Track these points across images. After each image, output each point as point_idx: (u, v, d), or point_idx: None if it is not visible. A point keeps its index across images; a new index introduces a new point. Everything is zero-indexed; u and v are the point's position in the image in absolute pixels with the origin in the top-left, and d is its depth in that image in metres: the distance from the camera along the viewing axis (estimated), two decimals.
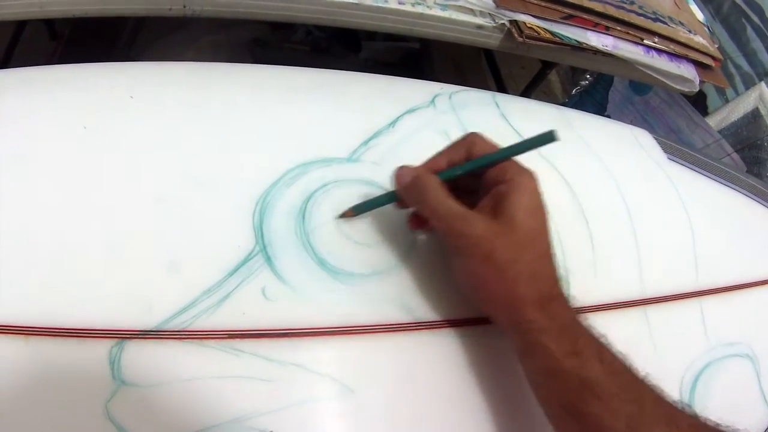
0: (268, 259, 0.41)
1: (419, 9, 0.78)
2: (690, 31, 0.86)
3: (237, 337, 0.38)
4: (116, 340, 0.37)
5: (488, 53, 1.29)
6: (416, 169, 0.42)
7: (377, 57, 1.26)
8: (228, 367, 0.37)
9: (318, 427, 0.38)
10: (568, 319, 0.38)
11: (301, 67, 0.55)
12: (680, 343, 0.54)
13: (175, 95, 0.48)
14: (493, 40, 0.83)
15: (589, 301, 0.50)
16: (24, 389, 0.34)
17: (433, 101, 0.56)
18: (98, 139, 0.44)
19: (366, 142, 0.49)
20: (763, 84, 1.28)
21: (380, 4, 0.75)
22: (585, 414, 0.35)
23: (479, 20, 0.81)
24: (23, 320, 0.36)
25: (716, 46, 0.88)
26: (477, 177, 0.42)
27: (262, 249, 0.41)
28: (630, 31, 0.84)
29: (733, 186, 0.70)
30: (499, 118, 0.58)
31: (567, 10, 0.82)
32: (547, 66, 1.14)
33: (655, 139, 0.68)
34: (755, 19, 1.43)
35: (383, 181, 0.47)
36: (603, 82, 1.41)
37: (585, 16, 0.83)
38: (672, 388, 0.45)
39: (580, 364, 0.35)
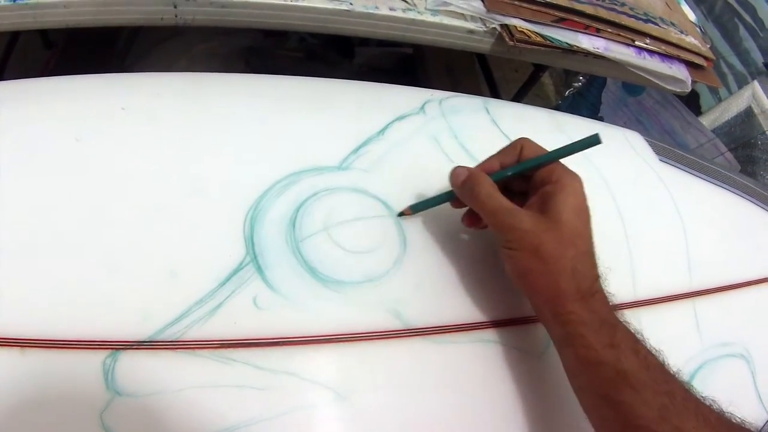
0: (259, 269, 0.41)
1: (410, 15, 0.78)
2: (681, 32, 0.87)
3: (229, 347, 0.38)
4: (110, 351, 0.37)
5: (481, 57, 1.29)
6: (470, 168, 0.45)
7: (371, 63, 1.26)
8: (221, 377, 0.38)
9: None
10: (607, 314, 0.40)
11: (290, 76, 0.55)
12: (674, 344, 0.54)
13: (166, 106, 0.48)
14: (485, 45, 0.84)
15: None
16: (20, 400, 0.34)
17: (423, 108, 0.56)
18: (90, 152, 0.44)
19: (356, 150, 0.50)
20: (755, 83, 1.28)
21: (371, 11, 0.76)
22: (619, 402, 0.37)
23: (470, 25, 0.81)
24: (19, 332, 0.36)
25: (708, 46, 0.88)
26: (526, 179, 0.45)
27: (253, 258, 0.42)
28: (621, 33, 0.84)
29: (725, 186, 0.70)
30: (489, 123, 0.58)
31: (558, 13, 0.82)
32: (539, 69, 1.14)
33: (647, 140, 0.69)
34: (747, 18, 1.44)
35: (374, 189, 0.48)
36: (596, 83, 1.41)
37: (576, 18, 0.83)
38: None
39: (616, 356, 0.37)
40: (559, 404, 0.45)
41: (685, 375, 0.54)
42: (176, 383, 0.37)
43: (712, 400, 0.39)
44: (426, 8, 0.79)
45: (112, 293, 0.39)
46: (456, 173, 0.45)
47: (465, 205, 0.46)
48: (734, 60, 1.47)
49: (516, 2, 0.81)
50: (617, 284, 0.54)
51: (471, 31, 0.81)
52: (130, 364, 0.37)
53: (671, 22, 0.88)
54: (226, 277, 0.41)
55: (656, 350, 0.40)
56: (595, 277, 0.41)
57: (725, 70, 1.51)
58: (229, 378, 0.38)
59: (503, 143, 0.57)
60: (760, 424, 0.58)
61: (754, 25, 1.45)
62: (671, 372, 0.39)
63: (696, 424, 0.36)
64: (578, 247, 0.41)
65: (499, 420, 0.43)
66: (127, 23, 0.70)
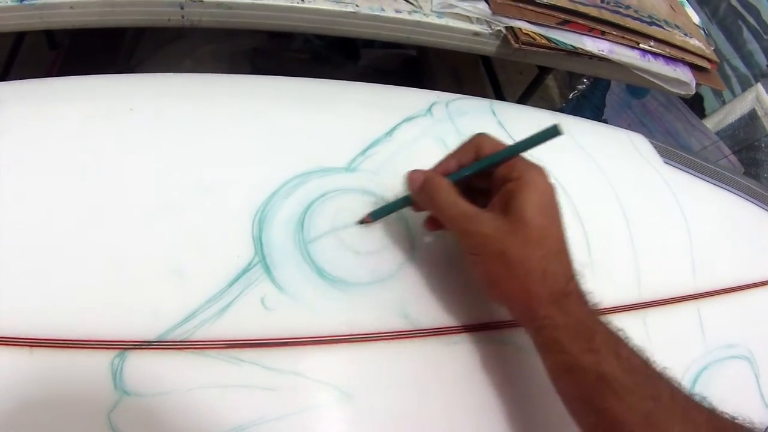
0: (267, 269, 0.42)
1: (416, 17, 0.78)
2: (686, 34, 0.87)
3: (237, 347, 0.39)
4: (118, 350, 0.37)
5: (486, 59, 1.29)
6: (426, 172, 0.43)
7: (375, 64, 1.27)
8: (229, 377, 0.38)
9: None
10: (584, 315, 0.38)
11: (297, 77, 0.56)
12: (678, 346, 0.55)
13: (173, 107, 0.49)
14: (490, 47, 0.84)
15: None
16: (28, 400, 0.35)
17: (430, 110, 0.56)
18: (97, 152, 0.44)
19: (364, 152, 0.50)
20: (759, 85, 1.28)
21: (377, 13, 0.76)
22: (602, 409, 0.35)
23: (476, 27, 0.81)
24: (27, 332, 0.36)
25: (712, 48, 0.88)
26: (487, 177, 0.42)
27: (262, 259, 0.42)
28: (626, 36, 0.84)
29: (729, 188, 0.70)
30: (496, 125, 0.59)
31: (563, 16, 0.82)
32: (544, 71, 1.14)
33: (651, 143, 0.69)
34: (751, 20, 1.44)
35: (381, 190, 0.48)
36: (600, 86, 1.41)
37: (580, 21, 0.83)
38: None
39: (596, 360, 0.36)
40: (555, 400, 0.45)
41: (688, 377, 0.54)
42: (184, 383, 0.37)
43: (702, 398, 0.38)
44: (432, 10, 0.80)
45: (121, 293, 0.39)
46: (412, 178, 0.43)
47: (423, 210, 0.44)
48: (738, 62, 1.47)
49: (521, 5, 0.81)
50: (622, 285, 0.55)
51: (476, 34, 0.81)
52: (138, 364, 0.37)
53: (675, 25, 0.88)
54: (235, 278, 0.41)
55: (640, 350, 0.38)
56: (569, 277, 0.39)
57: (729, 72, 1.51)
58: (237, 378, 0.38)
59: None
60: (764, 426, 0.58)
61: (757, 27, 1.45)
62: (656, 372, 0.37)
63: (683, 428, 0.35)
64: (546, 247, 0.38)
65: (507, 418, 0.43)
66: (133, 24, 0.70)
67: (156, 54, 1.00)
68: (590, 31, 0.84)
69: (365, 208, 0.46)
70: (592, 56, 0.83)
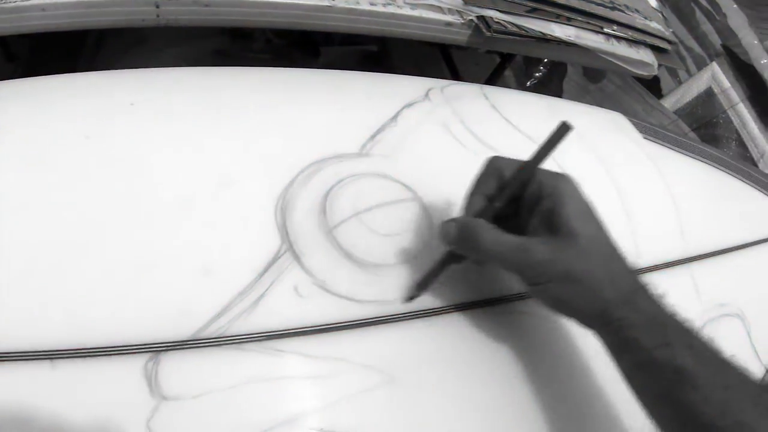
0: (297, 257, 0.41)
1: (390, 9, 0.79)
2: (645, 18, 0.91)
3: (276, 337, 0.38)
4: (150, 353, 0.36)
5: (445, 52, 1.31)
6: (458, 219, 0.42)
7: (336, 61, 1.26)
8: (271, 369, 0.37)
9: (367, 418, 0.38)
10: (654, 310, 0.38)
11: (297, 68, 0.55)
12: (677, 306, 0.57)
13: (176, 101, 0.47)
14: (462, 36, 0.85)
15: None
16: (55, 418, 0.33)
17: (427, 95, 0.57)
18: (103, 149, 0.42)
19: (373, 137, 0.50)
20: (715, 64, 1.36)
21: (353, 6, 0.76)
22: (679, 402, 0.36)
23: (448, 17, 0.83)
24: (46, 344, 0.34)
25: (670, 30, 0.93)
26: (513, 201, 0.42)
27: (290, 247, 0.41)
28: (590, 21, 0.87)
29: (703, 159, 0.74)
30: (489, 108, 0.60)
31: (531, 4, 0.84)
32: (505, 60, 1.17)
33: (630, 120, 0.72)
34: (703, 2, 1.52)
35: (396, 173, 0.48)
36: (557, 73, 1.46)
37: (548, 8, 0.85)
38: None
39: (671, 354, 0.36)
40: (591, 365, 0.46)
41: None
42: (225, 380, 0.36)
43: None
44: (405, 2, 0.80)
45: (146, 294, 0.37)
46: (446, 231, 0.42)
47: (468, 258, 0.43)
48: (692, 43, 1.55)
49: None
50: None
51: (449, 24, 0.83)
52: (174, 365, 0.36)
53: (635, 9, 0.92)
54: (265, 268, 0.40)
55: (709, 339, 0.38)
56: (632, 272, 0.40)
57: (684, 53, 1.59)
58: (280, 369, 0.37)
59: (506, 127, 0.59)
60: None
61: (710, 8, 1.53)
62: (726, 360, 0.37)
63: (756, 416, 0.35)
64: (604, 252, 0.39)
65: (536, 385, 0.44)
66: (107, 25, 0.67)
67: (119, 60, 0.96)
68: (557, 18, 0.86)
69: (383, 191, 0.46)
70: (560, 42, 0.86)
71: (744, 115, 1.39)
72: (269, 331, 0.38)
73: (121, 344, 0.36)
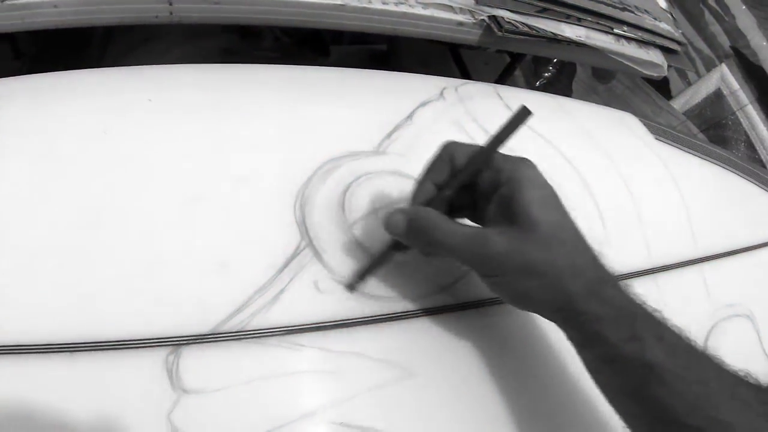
0: (317, 253, 0.41)
1: (402, 8, 0.79)
2: (655, 19, 0.91)
3: (297, 332, 0.38)
4: (171, 347, 0.36)
5: (454, 51, 1.31)
6: (406, 209, 0.39)
7: (346, 60, 1.26)
8: (291, 363, 0.37)
9: (385, 413, 0.38)
10: (622, 301, 0.36)
11: (310, 66, 0.56)
12: (688, 306, 0.57)
13: (193, 97, 0.48)
14: (473, 36, 0.85)
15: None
16: (76, 411, 0.33)
17: (441, 94, 0.57)
18: (121, 144, 0.43)
19: (389, 135, 0.50)
20: (724, 65, 1.36)
21: (365, 5, 0.76)
22: (648, 398, 0.34)
23: (459, 17, 0.83)
24: (65, 336, 0.34)
25: (680, 32, 0.93)
26: (469, 189, 0.39)
27: (309, 243, 0.41)
28: (600, 21, 0.87)
29: (714, 161, 0.74)
30: (503, 107, 0.60)
31: (541, 4, 0.85)
32: (516, 60, 1.17)
33: (642, 121, 0.72)
34: (712, 3, 1.52)
35: (413, 171, 0.48)
36: (566, 72, 1.46)
37: (558, 9, 0.86)
38: None
39: (640, 348, 0.34)
40: None
41: (699, 336, 0.57)
42: (246, 374, 0.36)
43: (746, 373, 0.35)
44: (417, 1, 0.80)
45: (166, 288, 0.38)
46: (393, 221, 0.38)
47: (412, 248, 0.40)
48: (701, 44, 1.56)
49: None
50: (635, 253, 0.57)
51: (460, 23, 0.83)
52: (195, 358, 0.36)
53: (645, 10, 0.92)
54: (285, 263, 0.40)
55: (680, 329, 0.36)
56: (597, 262, 0.37)
57: (693, 54, 1.59)
58: (300, 364, 0.38)
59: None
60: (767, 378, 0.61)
61: (719, 10, 1.53)
62: (700, 351, 0.35)
63: (731, 407, 0.33)
64: (567, 242, 0.36)
65: (551, 380, 0.44)
66: (120, 22, 0.67)
67: (126, 59, 0.97)
68: (567, 18, 0.86)
69: (401, 189, 0.46)
70: (570, 42, 0.86)
71: (753, 116, 1.38)
72: (289, 325, 0.38)
73: (141, 337, 0.36)
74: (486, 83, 0.63)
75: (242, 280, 0.39)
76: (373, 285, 0.42)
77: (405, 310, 0.41)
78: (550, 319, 0.38)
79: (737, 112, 1.33)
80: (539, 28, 0.84)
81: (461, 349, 0.42)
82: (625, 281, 0.38)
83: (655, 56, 0.90)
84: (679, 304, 0.56)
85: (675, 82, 1.61)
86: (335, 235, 0.43)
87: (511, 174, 0.36)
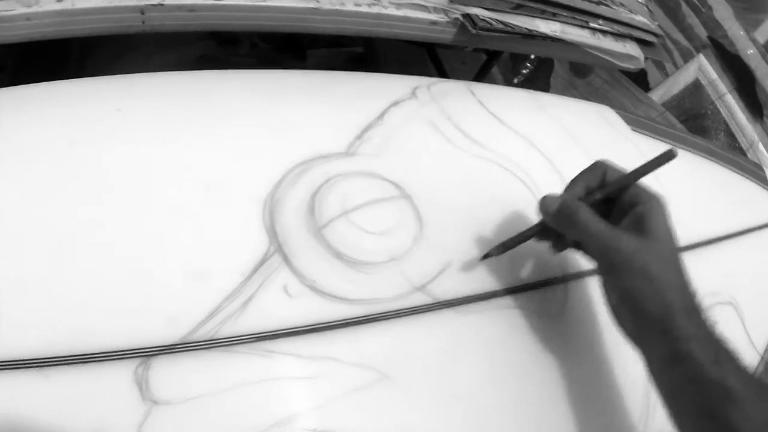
0: (286, 258, 0.41)
1: (375, 9, 0.79)
2: (631, 11, 0.91)
3: (267, 339, 0.38)
4: (140, 358, 0.35)
5: (431, 51, 1.31)
6: (561, 196, 0.45)
7: (323, 64, 1.26)
8: (262, 371, 0.37)
9: (361, 417, 0.38)
10: (710, 328, 0.40)
11: (281, 70, 0.55)
12: None
13: (161, 106, 0.47)
14: (447, 35, 0.85)
15: (580, 267, 0.52)
16: (47, 427, 0.32)
17: (414, 93, 0.57)
18: (89, 155, 0.42)
19: (359, 136, 0.50)
20: (701, 56, 1.37)
21: (338, 7, 0.76)
22: (725, 420, 0.37)
23: (433, 16, 0.82)
24: (37, 352, 0.34)
25: (656, 23, 0.93)
26: (607, 202, 0.45)
27: (278, 248, 0.41)
28: (576, 16, 0.87)
29: (692, 150, 0.74)
30: (477, 105, 0.60)
31: (516, 0, 0.84)
32: (492, 58, 1.17)
33: (618, 113, 0.72)
34: None
35: (383, 171, 0.48)
36: (544, 69, 1.46)
37: (533, 4, 0.86)
38: None
39: (722, 372, 0.37)
40: (578, 359, 0.47)
41: None
42: (217, 383, 0.36)
43: None
44: (390, 2, 0.80)
45: (135, 299, 0.37)
46: (547, 203, 0.45)
47: (550, 238, 0.47)
48: (678, 36, 1.56)
49: None
50: None
51: (434, 23, 0.83)
52: (165, 369, 0.35)
53: (620, 3, 0.92)
54: (253, 269, 0.40)
55: (749, 365, 0.40)
56: (695, 292, 0.41)
57: (670, 46, 1.60)
58: (271, 371, 0.37)
59: (493, 123, 0.59)
60: (752, 365, 0.61)
61: (695, 1, 1.54)
62: (764, 382, 0.40)
63: None
64: (678, 264, 0.41)
65: (527, 379, 0.44)
66: (93, 33, 0.67)
67: (106, 70, 0.96)
68: (542, 14, 0.86)
69: (371, 190, 0.46)
70: (545, 37, 0.86)
71: (732, 105, 1.40)
72: (259, 332, 0.38)
73: (110, 350, 0.35)
74: (459, 81, 0.63)
75: (211, 287, 0.39)
76: (345, 287, 0.41)
77: (378, 312, 0.41)
78: (644, 334, 0.41)
79: (716, 102, 1.34)
80: (514, 25, 0.84)
81: (437, 350, 0.42)
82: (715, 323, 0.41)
83: (632, 49, 0.90)
84: None
85: (653, 75, 1.62)
86: (304, 239, 0.42)
87: (649, 199, 0.43)
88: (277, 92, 0.52)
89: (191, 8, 0.68)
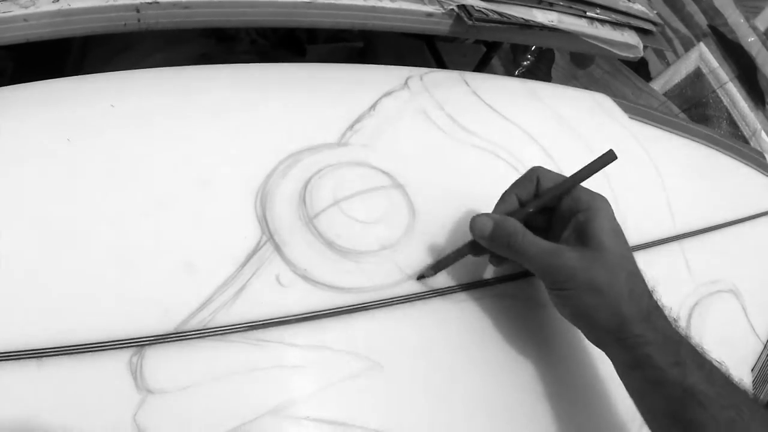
0: (278, 247, 0.41)
1: (371, 2, 0.78)
2: (629, 0, 0.91)
3: (259, 328, 0.38)
4: (134, 348, 0.36)
5: (431, 44, 1.31)
6: (493, 216, 0.43)
7: (322, 59, 1.26)
8: (255, 359, 0.37)
9: (353, 405, 0.38)
10: (669, 330, 0.39)
11: (273, 63, 0.55)
12: (670, 284, 0.57)
13: (155, 101, 0.48)
14: (443, 26, 0.85)
15: None
16: (44, 417, 0.33)
17: (406, 83, 0.57)
18: (85, 151, 0.42)
19: (351, 126, 0.50)
20: (702, 44, 1.36)
21: (333, 1, 0.76)
22: (687, 420, 0.37)
23: (428, 8, 0.82)
24: (33, 342, 0.34)
25: (655, 12, 0.93)
26: (544, 211, 0.44)
27: (270, 238, 0.41)
28: (572, 5, 0.87)
29: (690, 137, 0.74)
30: (470, 94, 0.60)
31: None
32: (491, 49, 1.17)
33: (615, 101, 0.72)
34: None
35: (375, 161, 0.48)
36: (545, 60, 1.46)
37: None
38: None
39: (682, 373, 0.37)
40: (570, 346, 0.47)
41: (684, 313, 0.56)
42: (210, 372, 0.36)
43: None
44: None
45: (129, 290, 0.37)
46: (479, 225, 0.42)
47: (487, 253, 0.44)
48: (678, 25, 1.55)
49: None
50: None
51: (430, 14, 0.82)
52: (159, 359, 0.36)
53: None
54: (246, 259, 0.40)
55: (718, 362, 0.40)
56: (650, 294, 0.41)
57: (670, 35, 1.58)
58: (264, 360, 0.37)
59: (487, 112, 0.59)
60: (756, 354, 0.61)
61: None
62: (734, 382, 0.39)
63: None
64: (627, 269, 0.40)
65: (531, 366, 0.45)
66: (88, 33, 0.67)
67: (104, 68, 0.97)
68: (539, 4, 0.86)
69: (363, 179, 0.46)
70: (542, 27, 0.86)
71: (734, 94, 1.39)
72: (252, 321, 0.38)
73: (104, 340, 0.36)
74: (452, 71, 0.62)
75: (204, 277, 0.39)
76: (337, 276, 0.41)
77: (370, 301, 0.41)
78: (601, 341, 0.41)
79: (717, 90, 1.33)
80: (510, 15, 0.84)
81: (429, 338, 0.42)
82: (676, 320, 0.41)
83: (630, 37, 0.89)
84: (659, 282, 0.56)
85: (654, 64, 1.61)
86: (296, 228, 0.42)
87: (589, 204, 0.41)
88: (269, 84, 0.53)
89: (186, 5, 0.68)
